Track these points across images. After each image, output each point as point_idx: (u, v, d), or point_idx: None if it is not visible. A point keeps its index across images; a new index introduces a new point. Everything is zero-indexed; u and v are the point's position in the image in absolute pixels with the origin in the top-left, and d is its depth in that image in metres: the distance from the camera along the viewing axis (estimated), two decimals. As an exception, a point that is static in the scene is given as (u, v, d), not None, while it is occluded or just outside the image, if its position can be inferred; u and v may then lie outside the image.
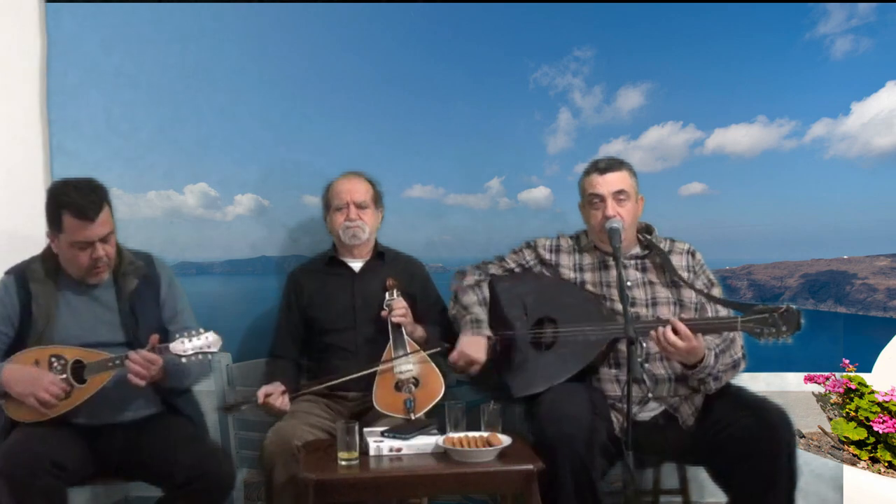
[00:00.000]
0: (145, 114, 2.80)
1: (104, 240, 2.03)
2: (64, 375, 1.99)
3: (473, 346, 2.22)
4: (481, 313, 2.30)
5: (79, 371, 2.01)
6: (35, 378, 1.96)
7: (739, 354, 2.14)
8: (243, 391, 2.53)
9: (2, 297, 2.08)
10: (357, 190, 2.45)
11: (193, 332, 2.05)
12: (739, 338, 2.15)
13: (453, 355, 2.23)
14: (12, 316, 2.07)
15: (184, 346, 2.02)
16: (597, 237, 2.27)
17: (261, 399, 2.22)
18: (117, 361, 2.00)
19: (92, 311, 2.11)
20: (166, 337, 2.14)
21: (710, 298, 2.17)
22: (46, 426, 1.95)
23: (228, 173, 2.86)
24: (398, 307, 2.32)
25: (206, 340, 2.05)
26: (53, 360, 2.01)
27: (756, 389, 2.14)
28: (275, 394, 2.23)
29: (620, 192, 2.19)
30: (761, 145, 2.93)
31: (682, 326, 1.94)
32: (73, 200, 1.96)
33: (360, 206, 2.44)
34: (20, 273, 2.11)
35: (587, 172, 2.27)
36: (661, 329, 1.97)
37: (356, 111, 2.89)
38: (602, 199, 2.19)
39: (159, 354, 2.00)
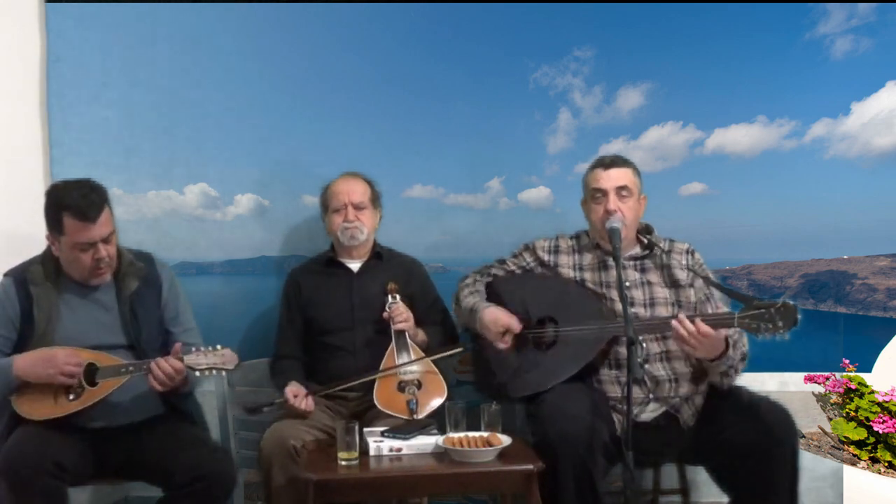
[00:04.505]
0: (145, 114, 2.80)
1: (106, 240, 2.03)
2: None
3: (496, 315, 2.21)
4: (479, 297, 2.31)
5: (91, 374, 2.00)
6: (49, 357, 1.96)
7: (747, 348, 2.13)
8: (243, 391, 2.53)
9: (2, 300, 2.07)
10: (354, 191, 2.45)
11: (210, 348, 2.05)
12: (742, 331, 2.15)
13: (491, 336, 2.21)
14: (14, 319, 2.06)
15: (198, 360, 2.02)
16: (598, 234, 2.27)
17: (290, 399, 2.21)
18: (131, 368, 2.00)
19: (93, 313, 2.11)
20: (168, 339, 2.14)
21: (711, 283, 2.17)
22: (50, 427, 1.95)
23: (228, 173, 2.86)
24: (399, 313, 2.32)
25: (223, 358, 2.05)
26: None
27: (756, 389, 2.13)
28: (300, 395, 2.23)
29: (623, 187, 2.19)
30: (761, 145, 2.93)
31: (704, 326, 1.93)
32: (74, 202, 1.95)
33: (357, 207, 2.44)
34: (20, 275, 2.09)
35: (591, 168, 2.27)
36: (688, 324, 1.92)
37: (356, 111, 2.88)
38: (604, 193, 2.19)
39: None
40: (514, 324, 2.21)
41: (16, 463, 1.83)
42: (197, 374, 2.02)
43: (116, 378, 2.00)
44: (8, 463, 1.83)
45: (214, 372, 2.05)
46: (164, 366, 1.97)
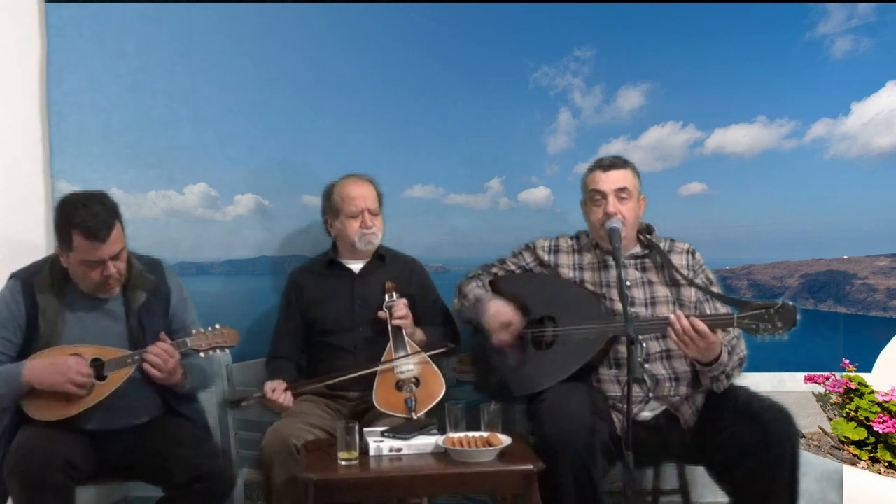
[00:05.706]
0: (145, 114, 2.80)
1: (115, 257, 2.01)
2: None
3: (499, 308, 2.22)
4: (486, 290, 2.32)
5: (98, 368, 2.00)
6: (61, 365, 1.95)
7: (745, 352, 2.14)
8: (243, 391, 2.53)
9: (8, 303, 2.05)
10: (369, 196, 2.45)
11: (210, 328, 2.07)
12: (741, 335, 2.15)
13: (493, 328, 2.20)
14: (21, 324, 2.05)
15: (199, 341, 2.05)
16: (597, 235, 2.27)
17: (267, 393, 2.22)
18: (137, 357, 2.01)
19: (99, 323, 2.10)
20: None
21: (709, 293, 2.17)
22: (56, 426, 1.94)
23: (228, 173, 2.86)
24: (398, 309, 2.32)
25: (224, 336, 2.09)
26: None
27: (756, 389, 2.13)
28: (278, 390, 2.23)
29: (622, 189, 2.19)
30: (761, 145, 2.93)
31: (700, 324, 1.94)
32: (84, 221, 1.93)
33: (373, 213, 2.45)
34: (27, 280, 2.07)
35: (590, 169, 2.28)
36: (684, 320, 1.94)
37: (356, 111, 2.88)
38: (604, 195, 2.19)
39: (177, 349, 2.02)
40: (517, 320, 2.20)
41: (27, 461, 1.83)
42: (202, 354, 2.05)
43: (124, 369, 2.01)
44: (19, 461, 1.83)
45: (218, 350, 2.08)
46: (155, 349, 2.00)
